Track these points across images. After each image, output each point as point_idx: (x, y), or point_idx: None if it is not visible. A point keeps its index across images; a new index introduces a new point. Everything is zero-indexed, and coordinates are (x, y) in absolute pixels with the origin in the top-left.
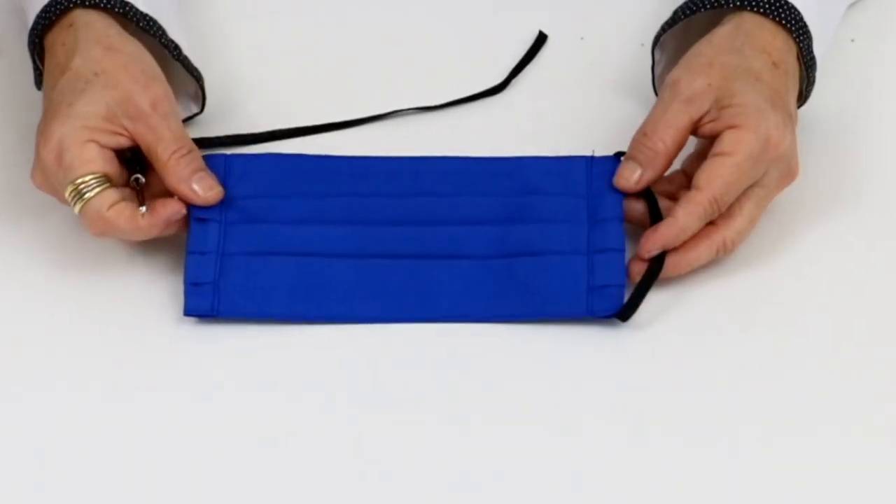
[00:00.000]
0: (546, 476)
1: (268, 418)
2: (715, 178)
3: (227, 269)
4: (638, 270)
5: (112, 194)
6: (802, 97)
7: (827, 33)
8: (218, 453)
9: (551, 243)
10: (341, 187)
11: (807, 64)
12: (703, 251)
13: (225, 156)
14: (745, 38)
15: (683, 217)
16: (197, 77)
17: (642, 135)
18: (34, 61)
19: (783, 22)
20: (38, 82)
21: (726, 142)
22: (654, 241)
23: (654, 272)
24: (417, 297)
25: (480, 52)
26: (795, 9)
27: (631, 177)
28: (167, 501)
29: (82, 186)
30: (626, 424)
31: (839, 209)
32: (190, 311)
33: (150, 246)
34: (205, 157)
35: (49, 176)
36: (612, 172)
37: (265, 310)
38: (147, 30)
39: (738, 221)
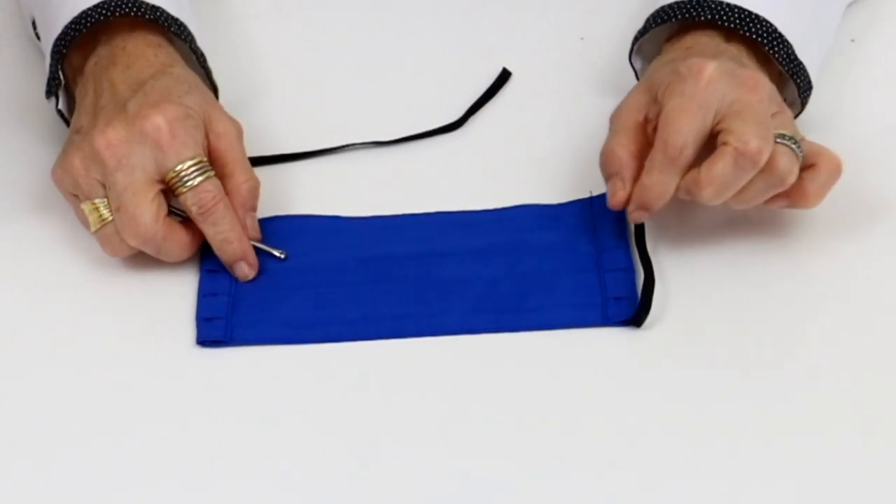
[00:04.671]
0: (559, 480)
1: (275, 434)
2: (660, 130)
3: (240, 307)
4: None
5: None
6: (799, 104)
7: (817, 34)
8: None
9: (561, 264)
10: (350, 245)
11: (791, 70)
12: (718, 164)
13: None
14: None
15: (644, 176)
16: (215, 88)
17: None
18: (55, 69)
19: (754, 36)
20: (53, 90)
21: (663, 99)
22: (632, 206)
23: (648, 264)
24: (427, 316)
25: (481, 54)
26: (766, 21)
27: (618, 194)
28: None
29: (195, 166)
30: (634, 426)
31: (840, 209)
32: (203, 338)
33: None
34: None
35: (142, 150)
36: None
37: (276, 336)
38: (179, 34)
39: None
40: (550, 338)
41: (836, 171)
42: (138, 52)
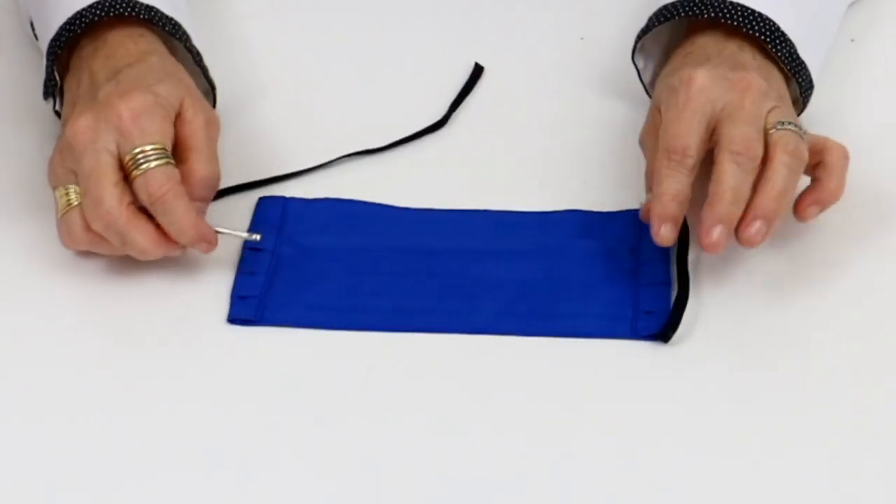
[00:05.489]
0: (569, 484)
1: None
2: (660, 143)
3: (275, 286)
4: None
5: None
6: (801, 103)
7: (818, 34)
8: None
9: (598, 273)
10: (390, 234)
11: (793, 69)
12: (721, 172)
13: (284, 198)
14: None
15: (656, 187)
16: (212, 86)
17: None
18: (51, 71)
19: (757, 34)
20: (50, 91)
21: (661, 108)
22: (655, 223)
23: (685, 281)
24: (458, 313)
25: (481, 54)
26: (769, 19)
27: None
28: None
29: (151, 152)
30: (646, 438)
31: (840, 208)
32: (234, 316)
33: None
34: (264, 199)
35: (106, 136)
36: None
37: (307, 320)
38: (173, 34)
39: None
40: (577, 345)
41: (845, 159)
42: (118, 42)
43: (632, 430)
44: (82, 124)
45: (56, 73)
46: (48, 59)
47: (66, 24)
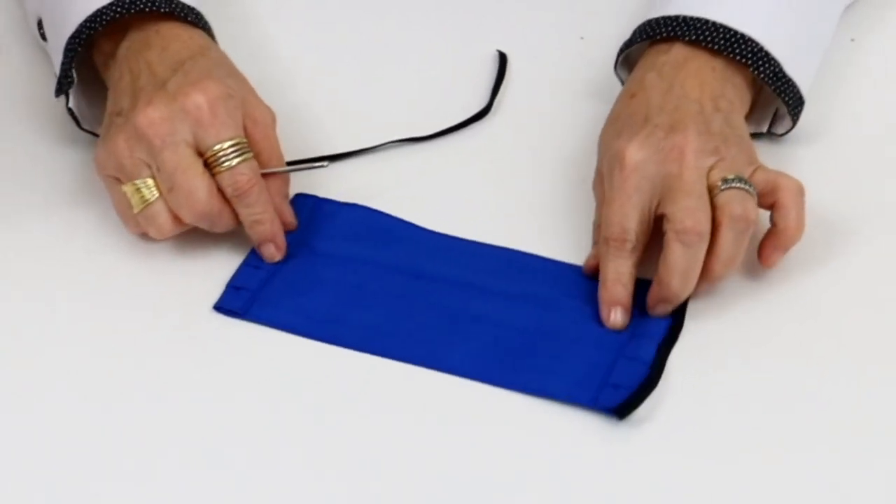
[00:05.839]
0: None
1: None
2: (602, 217)
3: (272, 283)
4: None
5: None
6: (790, 120)
7: (809, 47)
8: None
9: (585, 334)
10: (401, 253)
11: (779, 89)
12: (669, 254)
13: (315, 198)
14: (681, 89)
15: (601, 272)
16: None
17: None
18: (69, 67)
19: (738, 58)
20: (64, 88)
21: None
22: (605, 310)
23: (654, 376)
24: (431, 345)
25: (480, 54)
26: (752, 40)
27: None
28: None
29: (234, 147)
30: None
31: (840, 209)
32: (221, 305)
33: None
34: (299, 196)
35: (183, 127)
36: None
37: (288, 324)
38: (196, 24)
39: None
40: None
41: (799, 195)
42: (173, 35)
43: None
44: (156, 115)
45: (74, 72)
46: (66, 56)
47: (86, 21)
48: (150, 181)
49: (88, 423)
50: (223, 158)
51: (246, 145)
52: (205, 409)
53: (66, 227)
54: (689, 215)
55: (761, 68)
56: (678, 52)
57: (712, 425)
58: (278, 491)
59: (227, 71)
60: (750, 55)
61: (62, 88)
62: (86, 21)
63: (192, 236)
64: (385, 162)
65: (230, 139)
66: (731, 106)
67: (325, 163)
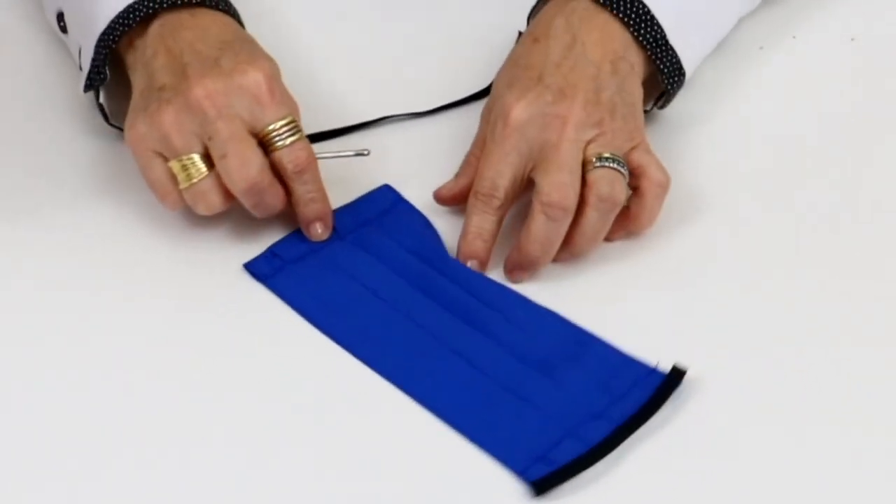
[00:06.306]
0: None
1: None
2: (476, 178)
3: (306, 261)
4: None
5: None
6: (666, 88)
7: (702, 22)
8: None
9: (550, 402)
10: (421, 266)
11: (656, 55)
12: (532, 224)
13: (398, 196)
14: (581, 47)
15: (465, 223)
16: None
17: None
18: (102, 64)
19: (622, 16)
20: (96, 84)
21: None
22: (460, 256)
23: (591, 457)
24: (407, 368)
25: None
26: (641, 3)
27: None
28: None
29: (288, 126)
30: None
31: (841, 209)
32: (250, 265)
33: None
34: (386, 187)
35: (240, 103)
36: (652, 389)
37: (298, 303)
38: (227, 12)
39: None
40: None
41: (660, 188)
42: (209, 19)
43: None
44: (213, 88)
45: (106, 68)
46: (98, 54)
47: (118, 17)
48: (196, 158)
49: (87, 420)
50: (277, 137)
51: (298, 125)
52: (204, 407)
53: (94, 217)
54: (557, 190)
55: (643, 30)
56: (587, 5)
57: None
58: (278, 490)
59: (266, 53)
60: (634, 15)
61: (93, 84)
62: (117, 17)
63: (223, 234)
64: (382, 137)
65: (285, 118)
66: (631, 69)
67: (365, 151)
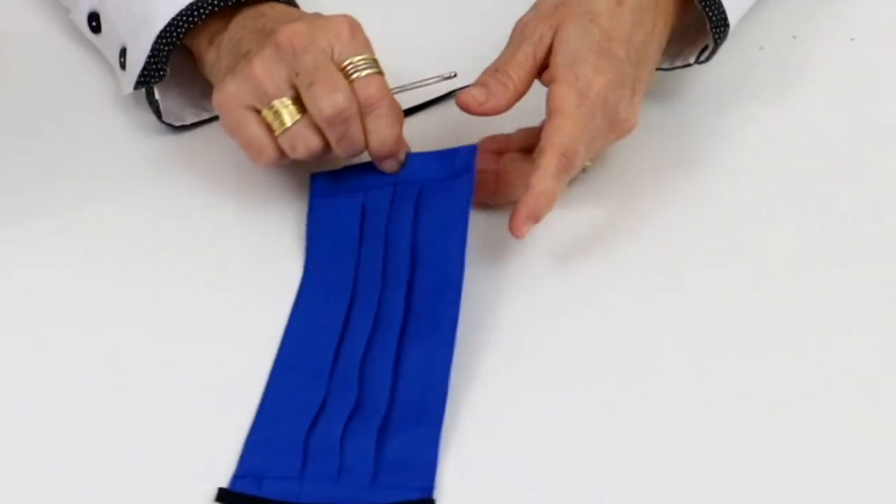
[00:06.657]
0: None
1: None
2: (554, 135)
3: (343, 198)
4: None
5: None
6: (713, 37)
7: None
8: None
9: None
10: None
11: (707, 4)
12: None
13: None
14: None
15: (537, 183)
16: None
17: (494, 70)
18: (164, 61)
19: None
20: (153, 81)
21: (551, 97)
22: (521, 218)
23: None
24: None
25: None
26: None
27: (479, 97)
28: None
29: (367, 61)
30: None
31: (842, 209)
32: (317, 178)
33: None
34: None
35: (324, 40)
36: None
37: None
38: (288, 3)
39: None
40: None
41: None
42: (285, 9)
43: None
44: (299, 29)
45: (167, 65)
46: (160, 50)
47: (181, 13)
48: (288, 101)
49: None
50: (353, 69)
51: (378, 63)
52: (203, 406)
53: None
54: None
55: None
56: None
57: None
58: None
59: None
60: None
61: (147, 81)
62: (180, 14)
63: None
64: None
65: (362, 54)
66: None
67: (452, 73)
